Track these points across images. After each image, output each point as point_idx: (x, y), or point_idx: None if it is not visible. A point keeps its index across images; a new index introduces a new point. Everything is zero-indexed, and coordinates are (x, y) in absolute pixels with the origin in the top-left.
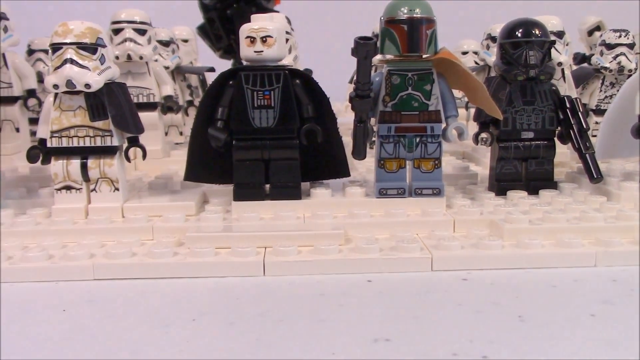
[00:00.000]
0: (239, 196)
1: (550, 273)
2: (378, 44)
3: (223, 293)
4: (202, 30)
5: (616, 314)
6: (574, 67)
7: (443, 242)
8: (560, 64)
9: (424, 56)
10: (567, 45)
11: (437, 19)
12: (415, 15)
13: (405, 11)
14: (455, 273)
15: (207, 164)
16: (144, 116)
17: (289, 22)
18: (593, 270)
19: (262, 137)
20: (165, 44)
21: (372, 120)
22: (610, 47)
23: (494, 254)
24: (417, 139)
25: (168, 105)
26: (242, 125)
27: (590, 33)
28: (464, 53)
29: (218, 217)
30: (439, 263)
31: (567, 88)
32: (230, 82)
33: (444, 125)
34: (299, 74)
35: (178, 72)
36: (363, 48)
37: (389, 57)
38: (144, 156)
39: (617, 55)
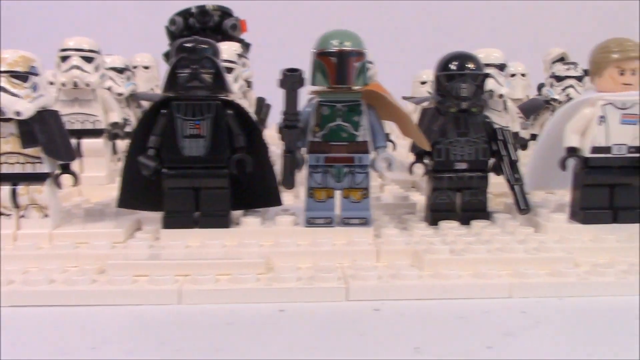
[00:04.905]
0: (168, 224)
1: (463, 304)
2: (308, 75)
3: (134, 321)
4: (168, 57)
5: (513, 346)
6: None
7: (361, 272)
8: (501, 95)
9: (354, 88)
10: (514, 76)
11: (367, 52)
12: (344, 48)
13: (336, 44)
14: (369, 303)
15: (140, 191)
16: (90, 143)
17: (247, 50)
18: (506, 302)
19: (192, 166)
20: (120, 70)
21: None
22: (559, 79)
23: (409, 284)
24: (346, 169)
25: (114, 132)
26: (173, 154)
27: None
28: (423, 83)
29: (144, 244)
30: (354, 293)
31: (510, 119)
32: (163, 111)
33: (373, 155)
34: (231, 105)
35: (133, 99)
36: (289, 79)
37: (319, 88)
38: (75, 182)
39: (566, 88)
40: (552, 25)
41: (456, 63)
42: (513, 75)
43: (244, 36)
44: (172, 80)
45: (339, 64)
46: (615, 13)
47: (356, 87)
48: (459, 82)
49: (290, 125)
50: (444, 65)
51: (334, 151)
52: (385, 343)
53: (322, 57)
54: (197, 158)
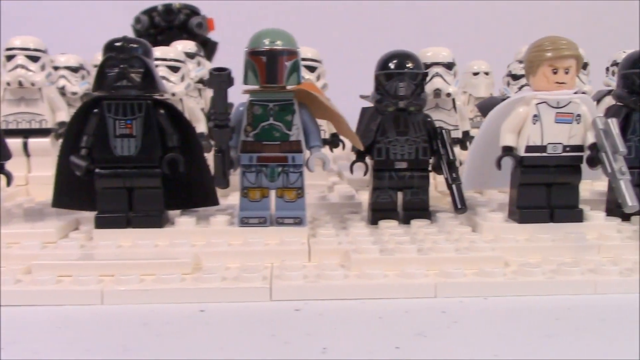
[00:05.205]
0: (101, 224)
1: (385, 304)
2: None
3: (53, 322)
4: None
5: (421, 347)
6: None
7: (287, 272)
8: (449, 94)
9: (288, 87)
10: (477, 75)
11: (300, 51)
12: (275, 47)
13: (267, 43)
14: (292, 303)
15: (75, 190)
16: (37, 142)
17: (213, 48)
18: (430, 302)
19: (124, 166)
20: (75, 69)
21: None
22: (515, 77)
23: (333, 284)
24: (279, 169)
25: (61, 132)
26: (105, 154)
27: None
28: None
29: (75, 244)
30: (278, 293)
31: (458, 118)
32: (94, 111)
33: (308, 154)
34: (163, 104)
35: (87, 98)
36: (217, 79)
37: (251, 87)
38: (9, 183)
39: (522, 86)
40: (523, 24)
41: (395, 62)
42: (476, 73)
43: (211, 35)
44: (101, 80)
45: (268, 63)
46: (586, 11)
47: (289, 87)
48: (397, 81)
49: (220, 125)
50: (383, 64)
51: (266, 150)
52: (296, 343)
53: (253, 56)
54: (129, 158)
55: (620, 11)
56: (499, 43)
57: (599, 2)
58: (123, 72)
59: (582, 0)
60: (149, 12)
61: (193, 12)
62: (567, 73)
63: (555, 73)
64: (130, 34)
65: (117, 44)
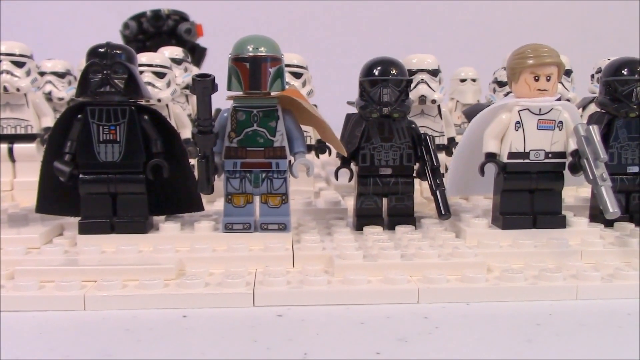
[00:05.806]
0: (84, 229)
1: (368, 309)
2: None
3: (35, 327)
4: None
5: (402, 352)
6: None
7: (270, 277)
8: (434, 101)
9: (272, 93)
10: (464, 81)
11: (283, 57)
12: (258, 54)
13: (251, 49)
14: (274, 309)
15: (59, 196)
16: (22, 148)
17: (202, 54)
18: (412, 307)
19: (108, 172)
20: (61, 75)
21: None
22: (501, 84)
23: (316, 290)
24: (263, 175)
25: (47, 137)
26: (88, 159)
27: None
28: None
29: (59, 250)
30: (260, 299)
31: (443, 125)
32: (78, 116)
33: (292, 160)
34: (147, 110)
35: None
36: (200, 85)
37: (235, 93)
38: None
39: (508, 93)
40: (510, 31)
41: (379, 68)
42: (464, 80)
43: (200, 40)
44: (84, 85)
45: (252, 69)
46: (572, 18)
47: (273, 93)
48: (381, 88)
49: (204, 131)
50: (367, 71)
51: (250, 157)
52: (277, 349)
53: (237, 62)
54: (113, 163)
55: (606, 19)
56: (486, 50)
57: (586, 10)
58: (106, 78)
59: (568, 8)
60: (138, 17)
61: (182, 18)
62: (548, 80)
63: (536, 80)
64: (119, 40)
65: (100, 49)
